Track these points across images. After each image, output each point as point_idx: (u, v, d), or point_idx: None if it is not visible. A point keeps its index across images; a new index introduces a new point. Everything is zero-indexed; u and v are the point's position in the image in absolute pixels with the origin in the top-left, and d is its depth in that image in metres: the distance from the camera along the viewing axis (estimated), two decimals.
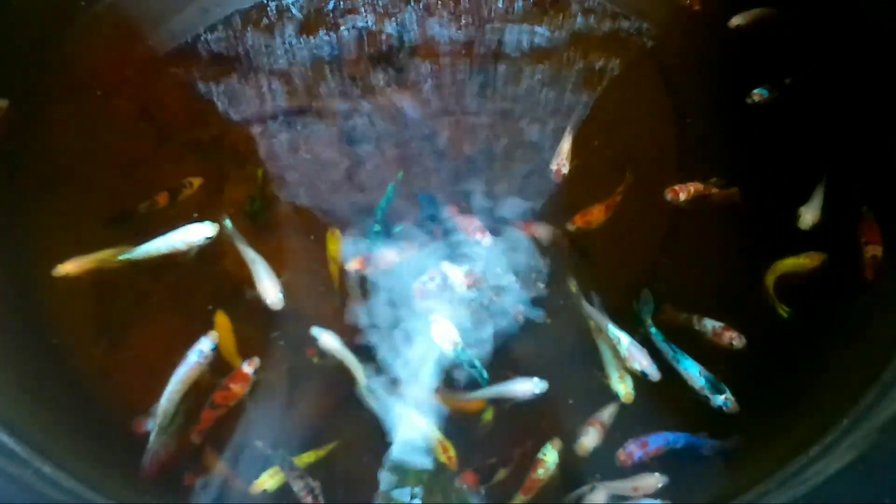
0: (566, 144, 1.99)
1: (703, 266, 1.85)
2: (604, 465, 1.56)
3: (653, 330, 1.66)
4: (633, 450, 1.55)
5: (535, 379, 1.62)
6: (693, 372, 1.60)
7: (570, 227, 1.85)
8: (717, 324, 1.67)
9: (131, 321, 1.73)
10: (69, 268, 1.73)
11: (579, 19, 2.29)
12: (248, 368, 1.63)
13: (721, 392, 1.57)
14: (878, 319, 1.61)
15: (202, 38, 2.21)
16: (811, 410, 1.52)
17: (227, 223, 1.82)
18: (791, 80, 2.02)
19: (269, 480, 1.51)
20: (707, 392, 1.58)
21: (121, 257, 1.75)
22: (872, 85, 1.93)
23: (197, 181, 1.91)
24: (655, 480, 1.53)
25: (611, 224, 1.88)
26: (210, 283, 1.78)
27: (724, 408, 1.56)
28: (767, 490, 1.36)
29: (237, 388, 1.61)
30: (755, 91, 2.01)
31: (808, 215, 1.82)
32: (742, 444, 1.54)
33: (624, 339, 1.63)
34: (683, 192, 1.87)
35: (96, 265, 1.74)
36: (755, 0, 2.18)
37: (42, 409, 1.54)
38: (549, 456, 1.55)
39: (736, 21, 2.17)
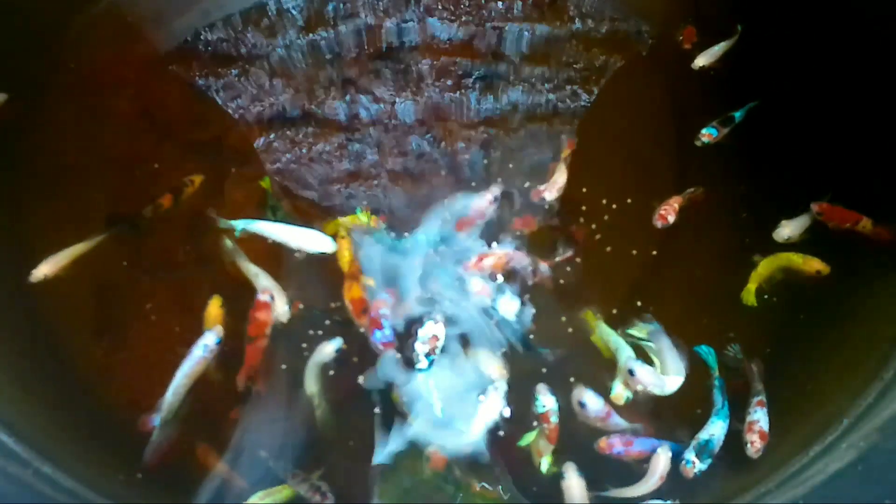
0: (561, 177, 1.94)
1: (701, 267, 1.85)
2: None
3: (717, 381, 1.61)
4: (615, 442, 1.55)
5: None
6: (717, 429, 1.54)
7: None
8: (764, 423, 1.55)
9: (131, 321, 1.73)
10: (45, 269, 1.71)
11: (578, 20, 2.29)
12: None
13: (700, 458, 1.52)
14: (879, 319, 1.61)
15: (202, 38, 2.20)
16: (811, 410, 1.53)
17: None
18: (741, 114, 1.97)
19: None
20: (698, 443, 1.53)
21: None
22: (874, 90, 1.93)
23: (198, 179, 1.91)
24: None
25: (611, 226, 1.89)
26: (210, 282, 1.78)
27: (685, 465, 1.52)
28: (767, 490, 1.37)
29: (263, 317, 1.65)
30: (703, 131, 1.95)
31: (787, 229, 1.80)
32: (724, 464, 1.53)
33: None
34: (671, 213, 1.84)
35: (72, 261, 1.74)
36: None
37: (42, 409, 1.53)
38: (547, 401, 1.57)
39: (700, 62, 2.10)
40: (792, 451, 1.41)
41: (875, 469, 1.28)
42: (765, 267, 1.77)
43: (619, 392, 1.62)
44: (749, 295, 1.74)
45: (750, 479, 1.45)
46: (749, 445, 1.52)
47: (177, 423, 1.56)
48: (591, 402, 1.61)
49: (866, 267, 1.71)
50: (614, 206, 1.92)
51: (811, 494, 1.28)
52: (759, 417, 1.55)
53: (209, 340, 1.62)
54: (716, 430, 1.55)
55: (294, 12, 2.28)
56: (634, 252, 1.87)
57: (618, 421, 1.60)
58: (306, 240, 1.79)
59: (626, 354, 1.65)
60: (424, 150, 2.05)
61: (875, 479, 1.26)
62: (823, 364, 1.62)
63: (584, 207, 1.92)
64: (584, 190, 1.95)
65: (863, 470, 1.28)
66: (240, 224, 1.78)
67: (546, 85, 2.17)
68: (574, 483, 1.51)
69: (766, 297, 1.74)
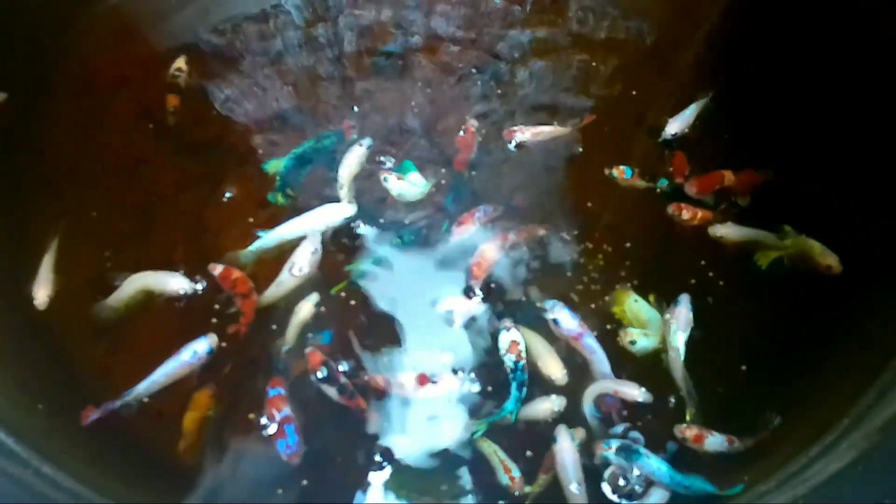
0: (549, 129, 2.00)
1: (701, 265, 1.85)
2: None
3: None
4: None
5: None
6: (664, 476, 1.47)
7: (473, 281, 1.74)
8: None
9: (131, 321, 1.73)
10: (44, 292, 1.71)
11: (579, 18, 2.30)
12: (215, 270, 1.70)
13: (622, 475, 1.47)
14: (879, 319, 1.61)
15: (202, 38, 2.21)
16: (811, 410, 1.52)
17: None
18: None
19: None
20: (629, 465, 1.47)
21: (246, 253, 1.75)
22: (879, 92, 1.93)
23: (180, 62, 2.05)
24: (638, 393, 1.53)
25: (611, 224, 1.89)
26: (210, 282, 1.78)
27: (602, 443, 1.49)
28: (768, 490, 1.36)
29: (242, 288, 1.67)
30: (621, 167, 1.91)
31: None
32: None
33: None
34: (688, 212, 1.84)
35: (55, 272, 1.74)
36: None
37: (42, 409, 1.54)
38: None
39: (672, 129, 2.00)
40: (792, 451, 1.41)
41: (875, 469, 1.27)
42: (792, 245, 1.72)
43: (628, 341, 1.59)
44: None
45: (750, 478, 1.44)
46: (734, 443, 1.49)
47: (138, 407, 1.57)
48: (564, 320, 1.60)
49: (867, 267, 1.71)
50: (614, 206, 1.92)
51: (811, 494, 1.28)
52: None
53: (200, 348, 1.60)
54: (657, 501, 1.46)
55: (293, 10, 2.28)
56: (635, 250, 1.87)
57: (590, 342, 1.59)
58: (327, 217, 1.78)
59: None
60: (424, 147, 2.04)
61: (875, 479, 1.26)
62: (823, 364, 1.62)
63: (589, 204, 1.92)
64: (582, 192, 1.95)
65: (863, 470, 1.28)
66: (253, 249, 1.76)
67: (546, 84, 2.18)
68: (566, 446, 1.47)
69: (766, 296, 1.74)
